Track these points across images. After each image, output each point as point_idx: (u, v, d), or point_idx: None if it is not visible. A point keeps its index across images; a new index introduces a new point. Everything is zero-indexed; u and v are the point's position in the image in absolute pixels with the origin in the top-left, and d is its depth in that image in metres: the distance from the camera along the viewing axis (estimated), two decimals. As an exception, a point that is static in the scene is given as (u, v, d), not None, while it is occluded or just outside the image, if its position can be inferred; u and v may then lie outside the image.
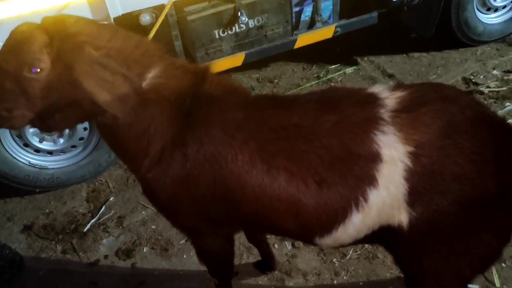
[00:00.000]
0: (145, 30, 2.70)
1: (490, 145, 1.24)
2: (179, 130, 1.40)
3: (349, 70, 3.87)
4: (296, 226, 1.39)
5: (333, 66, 3.94)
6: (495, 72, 3.62)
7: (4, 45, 1.31)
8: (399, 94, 1.31)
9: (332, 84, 3.75)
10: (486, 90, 3.42)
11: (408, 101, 1.29)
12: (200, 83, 1.45)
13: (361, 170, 1.26)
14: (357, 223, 1.32)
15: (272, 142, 1.34)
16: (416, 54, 3.97)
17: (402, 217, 1.27)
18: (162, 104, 1.40)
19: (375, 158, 1.25)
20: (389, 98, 1.31)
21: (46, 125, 1.42)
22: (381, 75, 3.79)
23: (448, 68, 3.75)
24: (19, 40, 1.28)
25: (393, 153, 1.23)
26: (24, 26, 1.32)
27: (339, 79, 3.80)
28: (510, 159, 1.26)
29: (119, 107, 1.30)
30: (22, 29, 1.30)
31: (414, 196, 1.24)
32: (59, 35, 1.29)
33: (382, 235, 1.35)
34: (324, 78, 3.81)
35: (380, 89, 1.36)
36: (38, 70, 1.27)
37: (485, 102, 3.31)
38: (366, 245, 2.38)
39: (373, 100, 1.32)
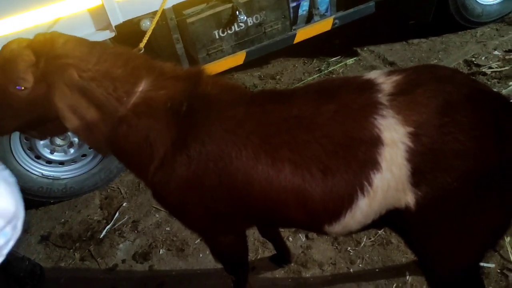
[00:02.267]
0: (143, 35, 2.74)
1: (488, 119, 1.26)
2: (179, 133, 1.42)
3: (349, 61, 3.89)
4: (305, 216, 1.41)
5: (333, 59, 3.95)
6: (496, 52, 3.61)
7: None
8: (394, 78, 1.33)
9: (333, 76, 3.77)
10: (488, 71, 3.42)
11: (404, 84, 1.30)
12: (195, 86, 1.48)
13: (364, 155, 1.28)
14: (364, 208, 1.33)
15: (275, 135, 1.36)
16: (415, 41, 3.97)
17: (408, 198, 1.28)
18: (155, 114, 1.43)
19: (376, 142, 1.26)
20: (385, 82, 1.32)
21: (34, 133, 1.55)
22: (382, 63, 3.80)
23: (449, 52, 3.75)
24: (8, 58, 1.37)
25: (393, 135, 1.25)
26: (14, 44, 1.39)
27: (340, 71, 3.81)
28: (508, 130, 1.28)
29: (86, 135, 1.39)
30: (12, 47, 1.38)
31: (418, 176, 1.25)
32: (46, 56, 1.37)
33: (391, 219, 1.37)
34: (326, 71, 3.83)
35: (376, 75, 1.37)
36: (22, 88, 1.37)
37: (488, 83, 3.31)
38: (380, 232, 2.40)
39: (370, 86, 1.33)
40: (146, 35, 1.85)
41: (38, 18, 2.27)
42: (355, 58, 3.92)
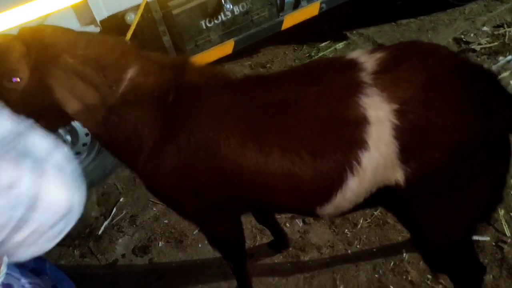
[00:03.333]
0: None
1: (472, 92, 1.26)
2: (167, 123, 1.42)
3: (339, 45, 3.88)
4: (296, 199, 1.42)
5: (323, 44, 3.95)
6: (485, 28, 3.62)
7: None
8: (377, 55, 1.33)
9: (324, 61, 3.77)
10: (478, 48, 3.43)
11: (387, 61, 1.30)
12: (181, 75, 1.47)
13: (351, 135, 1.28)
14: (354, 187, 1.34)
15: (261, 121, 1.36)
16: (404, 21, 3.97)
17: (397, 175, 1.29)
18: (143, 102, 1.43)
19: (362, 121, 1.26)
20: (368, 61, 1.32)
21: None
22: (372, 46, 3.79)
23: (438, 31, 3.75)
24: None
25: (379, 113, 1.25)
26: (1, 37, 1.36)
27: (331, 56, 3.81)
28: (491, 102, 1.28)
29: (87, 118, 1.36)
30: (2, 39, 1.35)
31: (406, 153, 1.26)
32: (37, 45, 1.34)
33: (382, 197, 1.38)
34: (316, 57, 3.82)
35: (358, 54, 1.37)
36: (17, 80, 1.33)
37: (478, 59, 3.32)
38: (376, 213, 2.42)
39: (353, 65, 1.33)
40: (130, 29, 1.84)
41: (22, 16, 2.24)
42: (344, 42, 3.91)
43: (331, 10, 3.35)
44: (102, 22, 2.47)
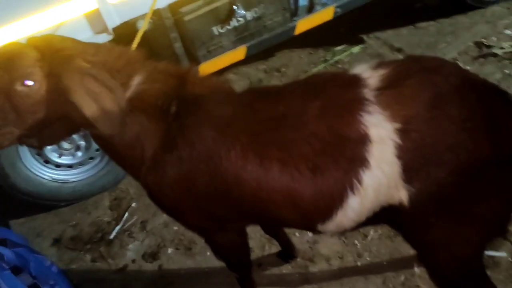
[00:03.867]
0: (144, 36, 2.74)
1: (479, 109, 1.22)
2: (169, 133, 1.42)
3: (355, 49, 3.81)
4: (296, 215, 1.40)
5: (339, 48, 3.88)
6: (507, 32, 3.49)
7: None
8: (381, 71, 1.29)
9: (340, 66, 3.71)
10: (499, 52, 3.31)
11: (390, 78, 1.27)
12: (184, 86, 1.47)
13: (352, 153, 1.25)
14: (356, 206, 1.31)
15: (263, 134, 1.35)
16: (423, 24, 3.86)
17: (401, 195, 1.26)
18: (148, 110, 1.43)
19: (364, 139, 1.24)
20: (372, 77, 1.29)
21: (32, 141, 1.46)
22: (389, 50, 3.71)
23: (458, 35, 3.64)
24: (10, 55, 1.33)
25: (381, 132, 1.22)
26: (11, 44, 1.38)
27: (346, 60, 3.74)
28: (501, 119, 1.23)
29: (105, 121, 1.33)
30: (10, 47, 1.36)
31: (410, 173, 1.22)
32: (50, 50, 1.34)
33: (386, 216, 1.34)
34: (331, 61, 3.76)
35: (362, 69, 1.34)
36: (31, 83, 1.31)
37: (500, 64, 3.21)
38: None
39: (356, 81, 1.30)
40: (137, 37, 1.84)
41: (35, 25, 2.28)
42: (360, 46, 3.83)
43: (348, 12, 3.29)
44: (114, 29, 2.49)
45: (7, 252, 1.67)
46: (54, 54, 1.33)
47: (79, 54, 1.34)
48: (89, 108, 1.29)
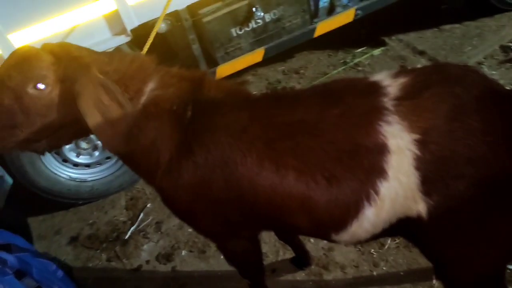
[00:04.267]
0: (162, 37, 2.75)
1: (501, 122, 1.17)
2: (184, 138, 1.41)
3: (376, 52, 3.74)
4: (311, 223, 1.37)
5: (359, 50, 3.81)
6: (536, 36, 3.37)
7: (6, 62, 1.36)
8: (401, 80, 1.26)
9: (360, 68, 3.64)
10: (527, 57, 3.20)
11: (411, 87, 1.23)
12: (199, 89, 1.46)
13: (369, 163, 1.22)
14: (371, 217, 1.28)
15: (279, 141, 1.32)
16: (447, 27, 3.76)
17: (419, 207, 1.22)
18: (163, 115, 1.42)
19: (382, 149, 1.21)
20: (392, 85, 1.26)
21: (37, 147, 1.46)
22: (411, 53, 3.62)
23: (484, 38, 3.53)
24: (25, 57, 1.33)
25: (399, 142, 1.19)
26: (27, 47, 1.37)
27: (366, 63, 3.67)
28: None
29: (106, 132, 1.33)
30: (26, 49, 1.36)
31: (428, 185, 1.19)
32: (66, 56, 1.35)
33: (402, 228, 1.31)
34: (351, 63, 3.70)
35: (382, 77, 1.31)
36: (42, 87, 1.31)
37: (527, 69, 3.09)
38: (405, 233, 2.30)
39: (376, 89, 1.27)
40: (150, 38, 1.83)
41: (55, 27, 2.30)
42: (382, 48, 3.76)
43: (369, 14, 3.22)
44: (132, 31, 2.49)
45: (10, 258, 1.69)
46: (70, 61, 1.34)
47: (95, 63, 1.35)
48: (93, 119, 1.30)
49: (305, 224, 1.40)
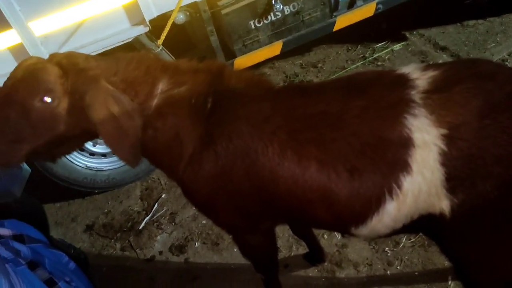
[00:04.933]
0: (181, 28, 2.74)
1: None
2: (206, 129, 1.40)
3: (397, 46, 3.67)
4: (331, 216, 1.36)
5: (379, 44, 3.75)
6: None
7: (13, 75, 1.34)
8: (431, 73, 1.22)
9: (379, 63, 3.58)
10: (554, 55, 3.10)
11: (440, 81, 1.20)
12: (218, 80, 1.44)
13: (393, 156, 1.20)
14: (393, 212, 1.26)
15: (301, 132, 1.31)
16: (471, 22, 3.67)
17: (443, 204, 1.19)
18: (180, 112, 1.41)
19: (406, 143, 1.18)
20: (420, 78, 1.23)
21: (46, 157, 1.47)
22: (433, 48, 3.55)
23: (509, 34, 3.43)
24: (32, 70, 1.32)
25: (425, 137, 1.16)
26: (34, 59, 1.37)
27: (386, 58, 3.61)
28: None
29: (119, 144, 1.33)
30: (33, 62, 1.35)
31: (454, 182, 1.16)
32: (74, 69, 1.34)
33: (424, 224, 1.28)
34: (370, 58, 3.64)
35: (410, 69, 1.27)
36: (49, 100, 1.30)
37: (554, 68, 2.99)
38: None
39: (403, 82, 1.24)
40: (165, 30, 1.82)
41: (74, 16, 2.31)
42: (403, 43, 3.69)
43: (391, 8, 3.16)
44: (151, 21, 2.49)
45: (23, 248, 1.71)
46: (78, 73, 1.33)
47: (103, 74, 1.34)
48: (106, 130, 1.30)
49: (325, 217, 1.38)
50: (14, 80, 1.33)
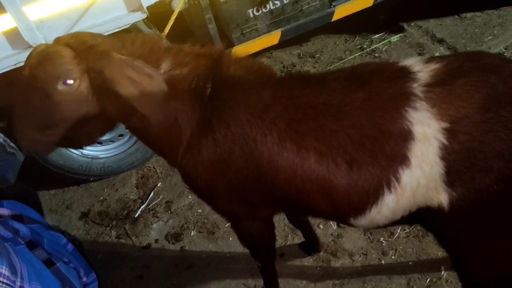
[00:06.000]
0: (179, 15, 2.70)
1: None
2: (204, 115, 1.40)
3: (394, 38, 3.66)
4: (329, 207, 1.36)
5: (377, 35, 3.74)
6: (561, 27, 3.27)
7: (27, 64, 1.34)
8: (433, 66, 1.22)
9: (376, 55, 3.58)
10: (550, 48, 3.11)
11: (443, 74, 1.20)
12: (218, 66, 1.44)
13: (392, 149, 1.20)
14: (391, 204, 1.27)
15: (301, 122, 1.30)
16: (469, 15, 3.67)
17: (441, 197, 1.20)
18: (181, 94, 1.41)
19: (406, 136, 1.18)
20: (422, 71, 1.22)
21: (73, 143, 1.48)
22: (430, 40, 3.55)
23: (506, 27, 3.44)
24: (46, 56, 1.31)
25: (426, 130, 1.16)
26: (43, 46, 1.36)
27: (384, 49, 3.60)
28: None
29: (149, 107, 1.32)
30: (44, 48, 1.34)
31: (453, 176, 1.16)
32: (83, 47, 1.33)
33: (422, 217, 1.29)
34: (368, 49, 3.63)
35: (413, 62, 1.27)
36: (71, 81, 1.31)
37: (550, 62, 3.01)
38: (415, 224, 2.29)
39: (405, 74, 1.24)
40: (169, 22, 1.80)
41: (71, 1, 2.27)
42: (400, 34, 3.68)
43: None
44: (149, 8, 2.45)
45: (22, 228, 1.71)
46: (89, 51, 1.32)
47: (112, 48, 1.33)
48: (133, 96, 1.29)
49: (323, 207, 1.39)
50: (30, 68, 1.32)
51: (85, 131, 1.45)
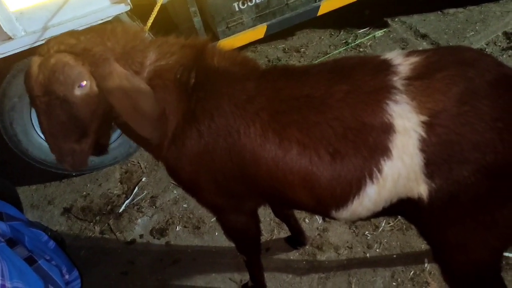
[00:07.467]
0: (162, 8, 2.66)
1: None
2: (188, 106, 1.40)
3: (378, 33, 3.69)
4: (311, 199, 1.37)
5: (361, 30, 3.76)
6: (540, 23, 3.33)
7: (36, 82, 1.30)
8: (413, 60, 1.24)
9: (361, 49, 3.60)
10: (530, 45, 3.18)
11: (422, 67, 1.21)
12: (202, 56, 1.44)
13: (374, 141, 1.21)
14: (373, 195, 1.28)
15: (284, 114, 1.31)
16: (451, 10, 3.72)
17: (421, 189, 1.22)
18: (168, 84, 1.40)
19: (388, 128, 1.20)
20: (403, 64, 1.24)
21: (99, 148, 1.51)
22: (414, 36, 3.58)
23: (488, 23, 3.49)
24: (53, 69, 1.29)
25: (406, 123, 1.18)
26: (35, 59, 1.32)
27: (368, 44, 3.63)
28: None
29: (141, 122, 1.36)
30: (43, 63, 1.31)
31: (432, 167, 1.18)
32: (78, 50, 1.32)
33: (403, 208, 1.31)
34: (353, 44, 3.65)
35: (393, 56, 1.29)
36: (84, 82, 1.30)
37: (530, 58, 3.07)
38: (400, 217, 2.31)
39: (386, 68, 1.25)
40: (152, 14, 1.78)
41: (53, -8, 2.23)
42: (384, 29, 3.71)
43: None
44: (132, 0, 2.41)
45: (2, 225, 1.66)
46: (85, 53, 1.31)
47: (104, 49, 1.33)
48: (127, 112, 1.32)
49: (305, 199, 1.39)
50: (42, 86, 1.30)
51: (99, 132, 1.46)
